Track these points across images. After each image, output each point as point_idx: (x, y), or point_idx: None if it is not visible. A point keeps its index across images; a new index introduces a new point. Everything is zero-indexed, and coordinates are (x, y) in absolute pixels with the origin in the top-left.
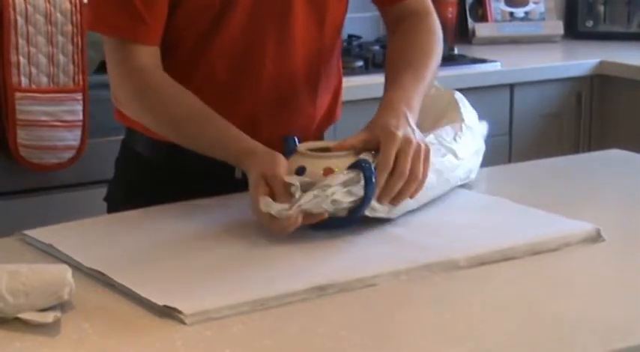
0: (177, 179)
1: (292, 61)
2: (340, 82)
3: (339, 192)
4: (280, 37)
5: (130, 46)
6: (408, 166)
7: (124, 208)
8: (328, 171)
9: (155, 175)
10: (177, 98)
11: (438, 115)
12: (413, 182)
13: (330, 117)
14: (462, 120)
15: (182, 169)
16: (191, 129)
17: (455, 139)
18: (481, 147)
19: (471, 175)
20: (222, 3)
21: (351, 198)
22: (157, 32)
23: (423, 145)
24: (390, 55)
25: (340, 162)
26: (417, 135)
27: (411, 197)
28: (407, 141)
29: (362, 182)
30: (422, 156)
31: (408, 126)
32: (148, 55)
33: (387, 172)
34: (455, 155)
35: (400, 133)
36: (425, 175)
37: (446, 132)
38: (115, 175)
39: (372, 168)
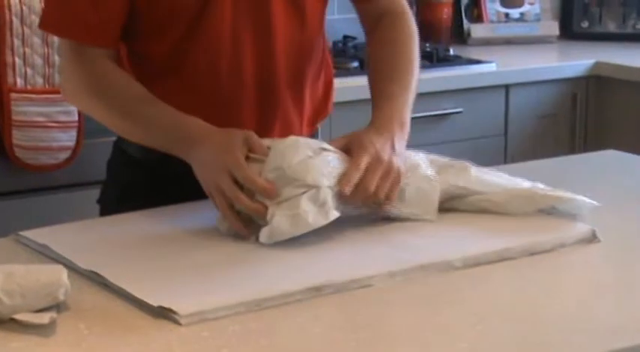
0: (170, 180)
1: (273, 56)
2: (330, 76)
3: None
4: (259, 32)
5: (81, 47)
6: (373, 184)
7: (117, 210)
8: None
9: (148, 176)
10: (126, 85)
11: None
12: (373, 200)
13: (321, 111)
14: None
15: (174, 170)
16: (141, 114)
17: None
18: None
19: None
20: (198, 6)
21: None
22: (109, 35)
23: (395, 168)
24: (373, 62)
25: None
26: (394, 159)
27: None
28: (378, 159)
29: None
30: (390, 178)
31: (389, 149)
32: (100, 54)
33: (351, 183)
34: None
35: (373, 150)
36: (389, 198)
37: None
38: (107, 177)
39: None
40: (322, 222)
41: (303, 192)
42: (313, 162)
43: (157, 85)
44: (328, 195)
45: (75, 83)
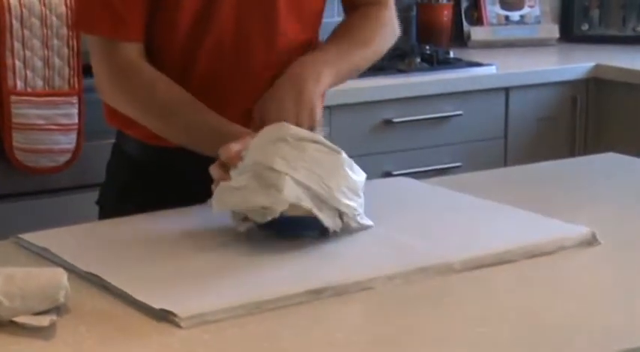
0: (168, 181)
1: (280, 56)
2: None
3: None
4: (267, 32)
5: (113, 44)
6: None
7: (116, 209)
8: None
9: (146, 177)
10: (164, 89)
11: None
12: None
13: None
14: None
15: (172, 171)
16: (182, 118)
17: None
18: None
19: None
20: (205, 5)
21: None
22: (138, 30)
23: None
24: (334, 31)
25: None
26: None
27: None
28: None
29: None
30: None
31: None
32: (132, 51)
33: None
34: None
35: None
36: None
37: None
38: (106, 179)
39: None
40: (265, 202)
41: (255, 169)
42: (281, 146)
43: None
44: (282, 180)
45: (113, 89)
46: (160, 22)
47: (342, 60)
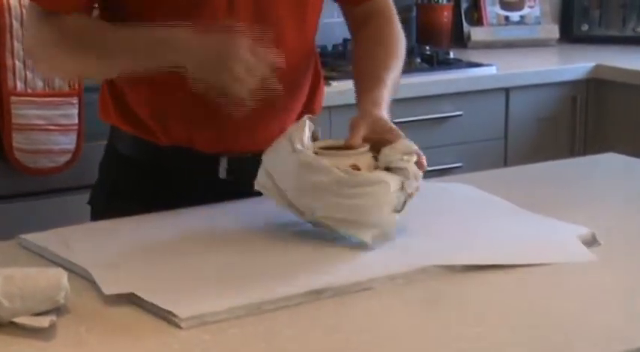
0: (159, 178)
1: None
2: (319, 77)
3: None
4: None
5: (52, 13)
6: None
7: (106, 210)
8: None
9: (137, 176)
10: (99, 25)
11: None
12: None
13: (308, 111)
14: None
15: (164, 169)
16: (121, 36)
17: None
18: None
19: None
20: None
21: None
22: (82, 3)
23: None
24: (361, 54)
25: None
26: None
27: None
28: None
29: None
30: None
31: None
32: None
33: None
34: None
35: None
36: None
37: None
38: (98, 178)
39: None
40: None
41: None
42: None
43: (143, 79)
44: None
45: (47, 42)
46: (136, 13)
47: (390, 94)
